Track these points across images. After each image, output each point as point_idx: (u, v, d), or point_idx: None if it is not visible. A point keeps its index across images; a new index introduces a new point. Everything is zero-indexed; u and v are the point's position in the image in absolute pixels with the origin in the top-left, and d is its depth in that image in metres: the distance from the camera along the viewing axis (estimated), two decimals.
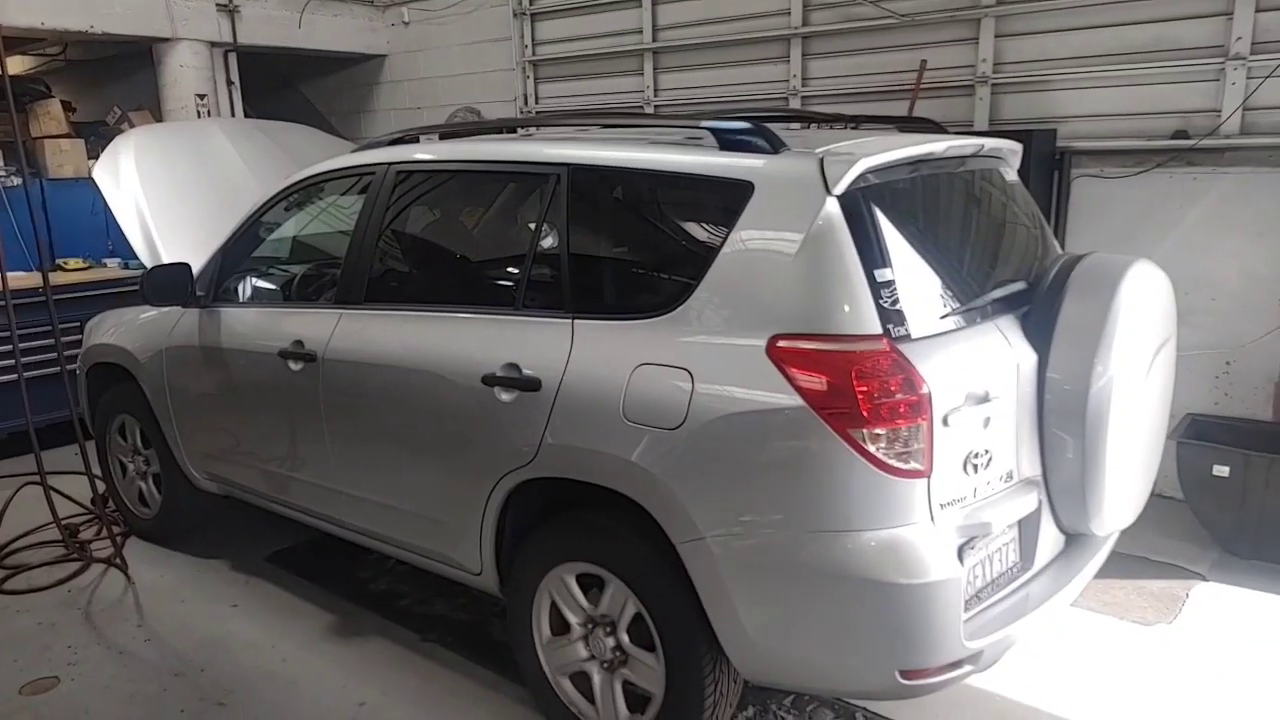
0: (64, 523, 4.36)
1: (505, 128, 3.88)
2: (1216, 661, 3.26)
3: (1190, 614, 3.57)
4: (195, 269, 3.78)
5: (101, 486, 4.54)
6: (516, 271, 2.96)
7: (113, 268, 6.20)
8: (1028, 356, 2.57)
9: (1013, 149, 3.04)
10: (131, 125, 6.62)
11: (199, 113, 6.68)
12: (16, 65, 8.73)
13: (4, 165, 5.82)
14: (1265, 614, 3.57)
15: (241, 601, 3.85)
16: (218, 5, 6.70)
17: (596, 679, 2.75)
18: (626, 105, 6.32)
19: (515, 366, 2.72)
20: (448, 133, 3.59)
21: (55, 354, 4.33)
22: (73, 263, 6.07)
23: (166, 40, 6.54)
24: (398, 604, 3.76)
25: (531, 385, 2.67)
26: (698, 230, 2.66)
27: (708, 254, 2.47)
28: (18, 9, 5.69)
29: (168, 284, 3.70)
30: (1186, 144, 4.32)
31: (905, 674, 2.28)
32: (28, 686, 3.26)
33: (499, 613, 3.52)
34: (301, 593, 3.90)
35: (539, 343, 2.70)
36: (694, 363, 2.39)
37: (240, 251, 3.82)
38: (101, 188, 4.42)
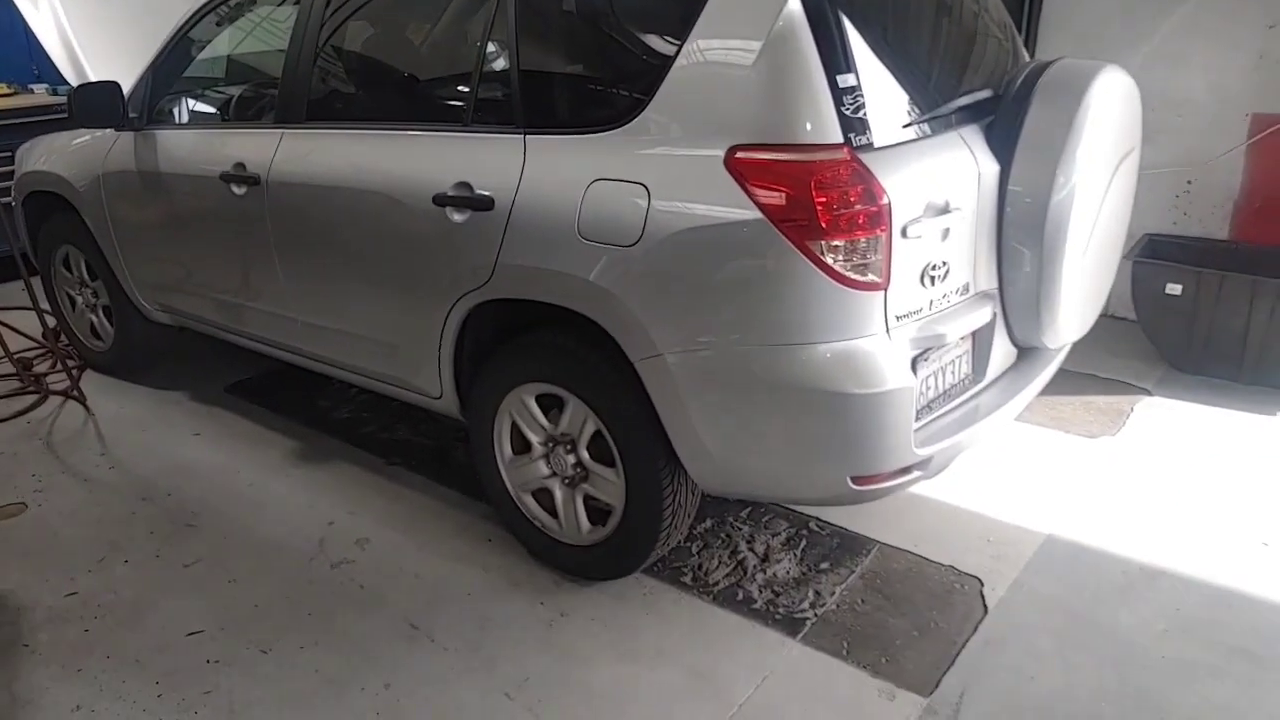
0: (17, 357, 4.29)
1: None
2: (1157, 470, 3.41)
3: (1134, 427, 3.71)
4: (126, 89, 3.57)
5: (52, 321, 4.45)
6: (465, 86, 2.82)
7: (41, 94, 5.84)
8: (990, 167, 2.53)
9: None
10: None
11: None
12: None
13: None
14: (1205, 425, 3.71)
15: (204, 430, 3.86)
16: None
17: (558, 494, 2.82)
18: None
19: (467, 185, 2.63)
20: None
21: None
22: None
23: None
24: (361, 431, 3.80)
25: (484, 204, 2.59)
26: (653, 38, 2.51)
27: (663, 62, 2.35)
28: None
29: (97, 103, 3.50)
30: None
31: (857, 480, 2.35)
32: None
33: (461, 437, 3.57)
34: (264, 421, 3.92)
35: (490, 160, 2.61)
36: (650, 177, 2.32)
37: (171, 69, 3.61)
38: (17, 3, 4.11)
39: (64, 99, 5.48)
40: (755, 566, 2.90)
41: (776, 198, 2.18)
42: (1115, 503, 3.21)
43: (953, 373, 2.60)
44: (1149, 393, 3.98)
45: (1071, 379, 3.84)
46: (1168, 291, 3.98)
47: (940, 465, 2.49)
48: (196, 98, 3.70)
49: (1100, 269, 2.86)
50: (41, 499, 3.38)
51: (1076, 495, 3.25)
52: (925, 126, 2.41)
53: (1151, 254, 4.18)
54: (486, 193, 2.59)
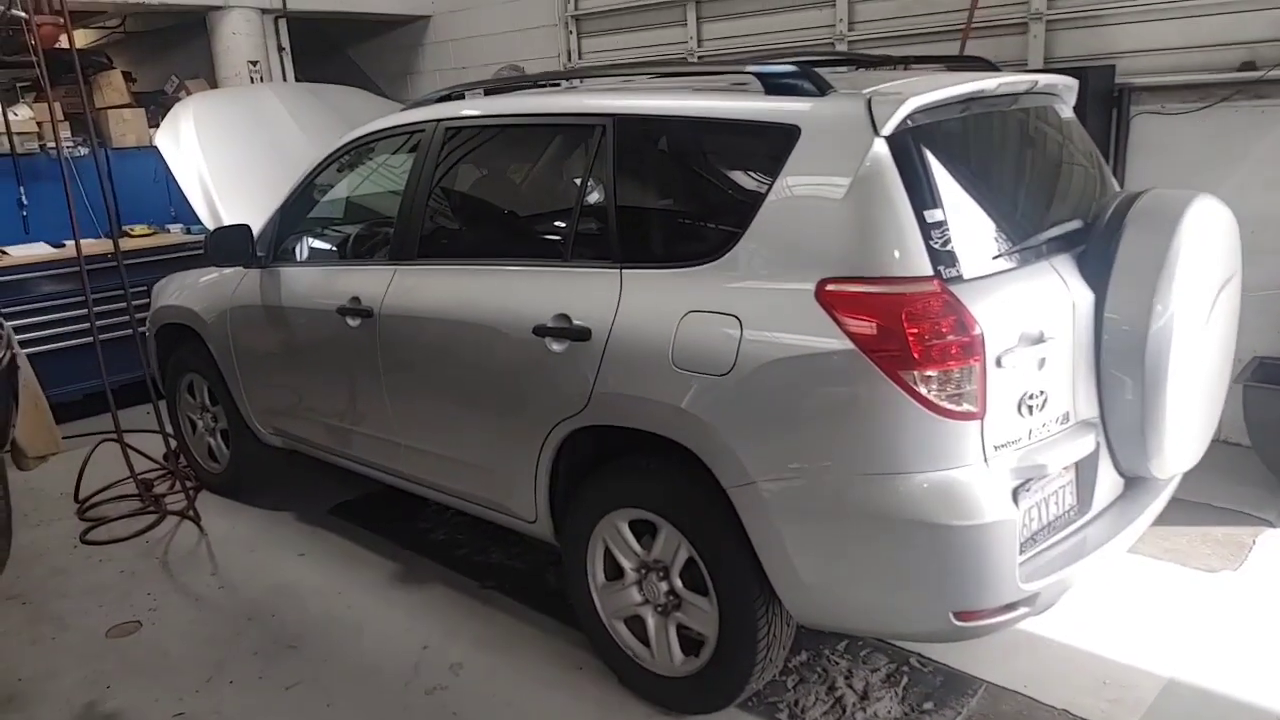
0: (140, 477, 4.54)
1: (550, 81, 3.87)
2: None
3: (1257, 560, 3.50)
4: (255, 230, 3.88)
5: (173, 443, 4.72)
6: (564, 223, 2.98)
7: (176, 233, 6.37)
8: (1085, 296, 2.52)
9: (1068, 85, 2.95)
10: (188, 93, 6.74)
11: (252, 78, 6.78)
12: (80, 39, 8.91)
13: (72, 136, 5.98)
14: None
15: (309, 551, 3.99)
16: None
17: (651, 622, 2.80)
18: (670, 56, 6.26)
19: (566, 317, 2.75)
20: (493, 88, 3.60)
21: (127, 317, 4.48)
22: (138, 229, 6.24)
23: (219, 8, 6.65)
24: (456, 553, 3.87)
25: (582, 335, 2.70)
26: (744, 176, 2.64)
27: (755, 200, 2.46)
28: None
29: (229, 245, 3.80)
30: (1254, 76, 4.14)
31: (959, 615, 2.28)
32: (113, 630, 3.44)
33: (554, 561, 3.59)
34: (365, 542, 4.03)
35: (588, 293, 2.73)
36: (742, 309, 2.40)
37: (297, 212, 3.90)
38: (164, 154, 4.54)
39: (196, 237, 5.96)
40: (854, 704, 2.80)
41: (868, 328, 2.22)
42: (1242, 643, 3.00)
43: (1056, 504, 2.53)
44: (1271, 524, 3.76)
45: (1185, 508, 3.66)
46: None
47: (1048, 601, 2.41)
48: (318, 237, 3.98)
49: (1208, 396, 2.78)
50: (155, 617, 3.52)
51: (1199, 635, 3.06)
52: (1015, 257, 2.43)
53: (1263, 378, 4.03)
54: (584, 324, 2.70)
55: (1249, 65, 4.16)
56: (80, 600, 3.67)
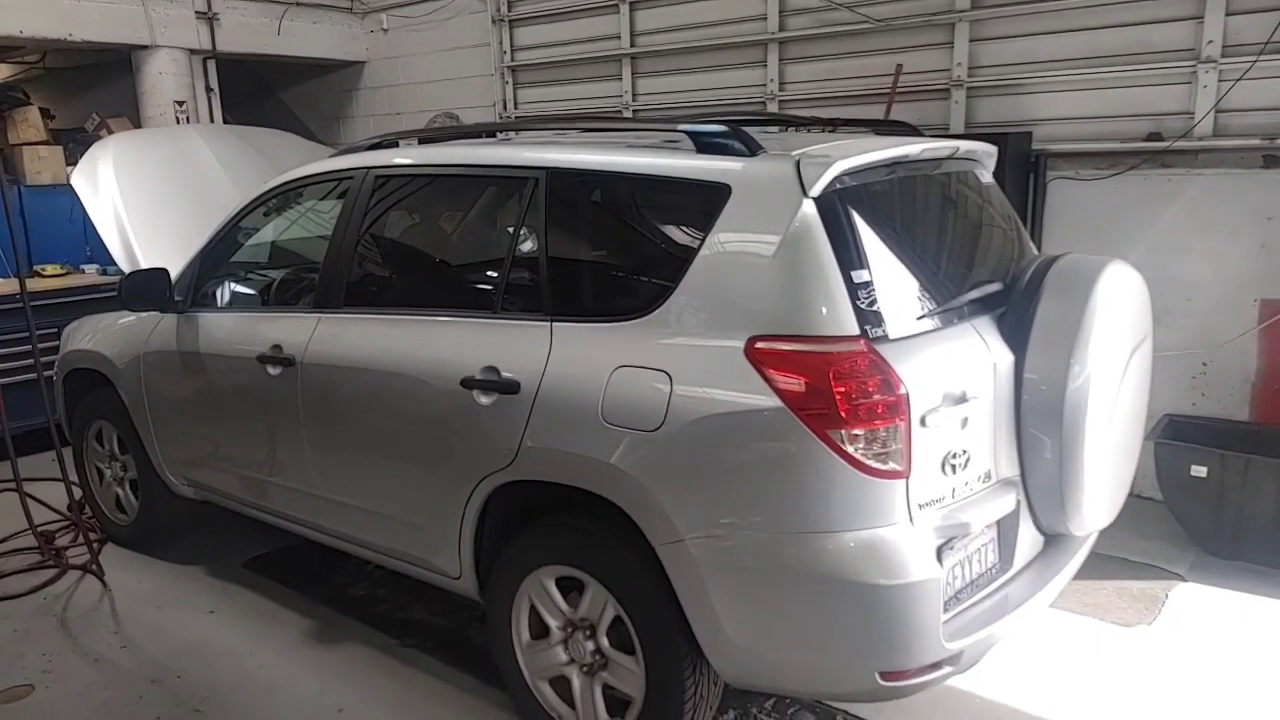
0: (40, 529, 4.30)
1: (484, 132, 3.87)
2: (1196, 662, 3.28)
3: (1170, 615, 3.59)
4: (174, 274, 3.76)
5: (78, 493, 4.49)
6: (495, 275, 2.96)
7: (90, 274, 6.15)
8: (1005, 357, 2.58)
9: (988, 151, 3.06)
10: (110, 132, 6.57)
11: (178, 119, 6.64)
12: None
13: None
14: (1244, 614, 3.59)
15: (219, 608, 3.81)
16: (197, 13, 6.67)
17: (576, 683, 2.74)
18: (605, 110, 6.34)
19: (494, 369, 2.71)
20: (426, 137, 3.58)
21: (32, 360, 4.28)
22: (50, 269, 6.01)
23: (145, 48, 6.52)
24: (376, 609, 3.74)
25: (510, 388, 2.66)
26: (676, 233, 2.66)
27: (686, 256, 2.47)
28: None
29: (145, 289, 3.67)
30: (1160, 146, 4.36)
31: (885, 675, 2.28)
32: (1, 695, 3.22)
33: (478, 618, 3.50)
34: (279, 598, 3.87)
35: (518, 346, 2.70)
36: (672, 364, 2.40)
37: (219, 256, 3.80)
38: (80, 194, 4.39)
39: (112, 279, 5.76)
40: None
41: (796, 386, 2.23)
42: (1157, 698, 3.07)
43: (979, 562, 2.56)
44: (1183, 578, 3.87)
45: (1102, 562, 3.74)
46: (1192, 474, 3.95)
47: (972, 659, 2.42)
48: (239, 282, 3.87)
49: (1122, 455, 2.86)
50: (50, 680, 3.31)
51: (1115, 689, 3.12)
52: (939, 318, 2.48)
53: (1173, 435, 4.18)
54: (513, 377, 2.67)
55: (1155, 136, 4.39)
56: None
